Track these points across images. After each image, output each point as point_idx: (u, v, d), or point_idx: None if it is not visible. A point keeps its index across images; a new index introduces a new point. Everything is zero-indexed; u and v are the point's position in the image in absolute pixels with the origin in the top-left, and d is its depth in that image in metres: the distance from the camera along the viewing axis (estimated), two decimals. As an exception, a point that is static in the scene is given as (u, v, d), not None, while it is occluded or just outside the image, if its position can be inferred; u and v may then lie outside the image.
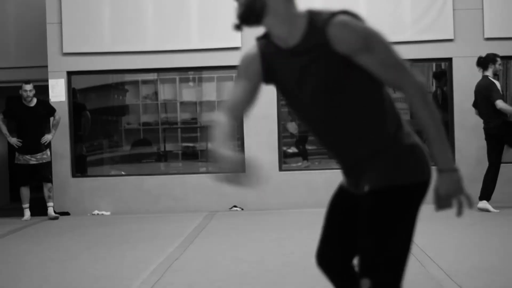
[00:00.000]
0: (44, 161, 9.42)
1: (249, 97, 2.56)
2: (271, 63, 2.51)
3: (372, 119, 2.48)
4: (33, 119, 9.34)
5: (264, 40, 2.53)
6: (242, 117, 2.63)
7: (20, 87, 9.41)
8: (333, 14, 2.33)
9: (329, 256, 2.90)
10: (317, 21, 2.35)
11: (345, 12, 2.35)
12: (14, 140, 9.38)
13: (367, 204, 2.51)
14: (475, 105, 9.09)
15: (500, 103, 8.70)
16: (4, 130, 9.46)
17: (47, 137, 9.38)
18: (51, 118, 9.52)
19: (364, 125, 2.48)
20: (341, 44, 2.31)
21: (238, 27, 2.44)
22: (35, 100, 9.42)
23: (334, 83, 2.38)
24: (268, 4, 2.37)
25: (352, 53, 2.32)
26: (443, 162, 2.44)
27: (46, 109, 9.46)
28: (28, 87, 9.34)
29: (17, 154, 9.42)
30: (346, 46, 2.31)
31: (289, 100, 2.58)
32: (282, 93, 2.57)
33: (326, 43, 2.32)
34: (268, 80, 2.56)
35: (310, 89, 2.43)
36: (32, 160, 9.34)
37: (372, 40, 2.32)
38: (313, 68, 2.38)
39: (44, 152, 9.42)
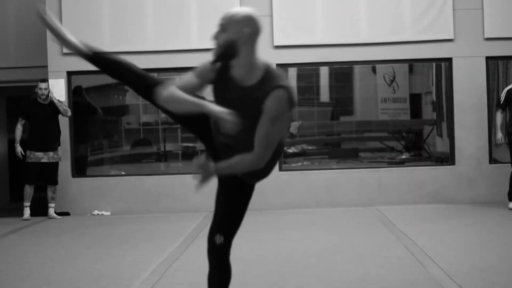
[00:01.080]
0: (54, 161, 9.46)
1: (193, 90, 3.37)
2: (221, 81, 3.34)
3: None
4: (47, 117, 9.42)
5: (222, 66, 3.32)
6: None
7: (36, 86, 9.51)
8: (281, 86, 3.16)
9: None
10: (270, 79, 3.20)
11: (288, 88, 3.17)
12: (18, 150, 9.43)
13: None
14: None
15: (496, 113, 9.00)
16: (17, 136, 9.49)
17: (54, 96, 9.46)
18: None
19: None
20: (267, 104, 3.17)
21: (213, 63, 3.32)
22: (49, 99, 9.49)
23: (256, 113, 3.20)
24: (239, 52, 3.19)
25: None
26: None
27: (57, 109, 9.51)
28: (43, 85, 9.46)
29: (28, 152, 9.43)
30: (267, 107, 3.17)
31: (220, 99, 3.34)
32: (217, 95, 3.38)
33: (266, 96, 3.17)
34: (213, 85, 3.40)
35: (246, 108, 3.22)
36: (44, 158, 9.39)
37: (278, 118, 3.17)
38: (253, 100, 3.21)
39: (56, 151, 9.46)
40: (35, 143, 9.42)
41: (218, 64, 3.32)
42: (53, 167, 9.49)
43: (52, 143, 9.47)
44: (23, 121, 9.55)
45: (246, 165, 3.27)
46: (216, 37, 3.28)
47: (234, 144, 3.35)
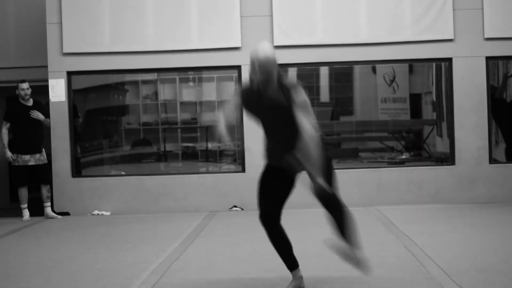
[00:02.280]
0: (41, 162, 9.44)
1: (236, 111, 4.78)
2: (252, 97, 4.64)
3: (295, 132, 4.52)
4: (31, 119, 9.37)
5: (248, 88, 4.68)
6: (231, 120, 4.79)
7: (16, 87, 9.45)
8: (294, 85, 4.55)
9: (269, 214, 4.89)
10: (285, 83, 4.56)
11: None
12: (9, 155, 9.38)
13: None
14: None
15: None
16: (5, 141, 9.44)
17: (38, 114, 9.40)
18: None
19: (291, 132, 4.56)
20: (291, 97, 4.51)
21: (258, 89, 4.52)
22: (31, 100, 9.47)
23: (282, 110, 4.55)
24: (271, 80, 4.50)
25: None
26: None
27: (41, 110, 9.49)
28: (25, 85, 9.41)
29: (15, 155, 9.40)
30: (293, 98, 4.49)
31: (254, 116, 4.73)
32: (251, 112, 4.74)
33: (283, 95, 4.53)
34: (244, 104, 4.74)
35: (273, 113, 4.60)
36: (31, 161, 9.36)
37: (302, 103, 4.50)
38: (276, 104, 4.54)
39: (41, 153, 9.45)
40: (21, 146, 9.37)
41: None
42: (42, 168, 9.47)
43: (38, 145, 9.45)
44: (8, 125, 9.47)
45: (311, 138, 4.41)
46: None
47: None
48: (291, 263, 4.82)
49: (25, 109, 9.40)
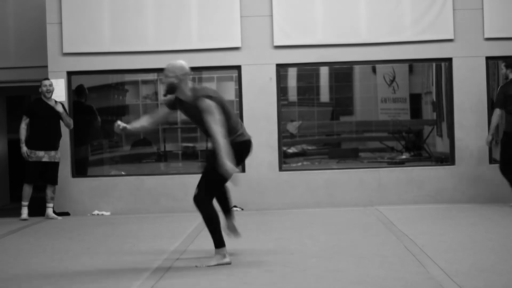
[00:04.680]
0: (54, 160, 9.43)
1: (165, 116, 6.16)
2: (178, 104, 5.85)
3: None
4: (51, 116, 9.38)
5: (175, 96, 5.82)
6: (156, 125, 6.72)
7: (40, 85, 9.45)
8: (199, 96, 5.64)
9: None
10: (196, 95, 5.67)
11: (208, 96, 5.63)
12: (24, 150, 9.37)
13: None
14: None
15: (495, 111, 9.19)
16: (23, 136, 9.43)
17: (60, 107, 9.43)
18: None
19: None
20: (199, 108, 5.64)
21: (165, 95, 5.88)
22: (53, 100, 9.48)
23: (199, 117, 5.65)
24: (177, 87, 5.74)
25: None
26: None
27: (63, 119, 9.52)
28: (48, 82, 9.43)
29: (29, 151, 9.38)
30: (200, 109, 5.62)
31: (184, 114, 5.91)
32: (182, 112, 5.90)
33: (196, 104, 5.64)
34: (174, 108, 5.95)
35: (194, 118, 5.80)
36: (45, 157, 9.36)
37: (206, 110, 5.57)
38: (193, 111, 5.70)
39: (56, 151, 9.45)
40: (37, 141, 9.38)
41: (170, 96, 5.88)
42: (54, 166, 9.47)
43: (54, 142, 9.45)
44: (27, 120, 9.50)
45: (220, 144, 5.43)
46: (163, 81, 5.87)
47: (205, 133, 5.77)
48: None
49: (45, 106, 9.41)
